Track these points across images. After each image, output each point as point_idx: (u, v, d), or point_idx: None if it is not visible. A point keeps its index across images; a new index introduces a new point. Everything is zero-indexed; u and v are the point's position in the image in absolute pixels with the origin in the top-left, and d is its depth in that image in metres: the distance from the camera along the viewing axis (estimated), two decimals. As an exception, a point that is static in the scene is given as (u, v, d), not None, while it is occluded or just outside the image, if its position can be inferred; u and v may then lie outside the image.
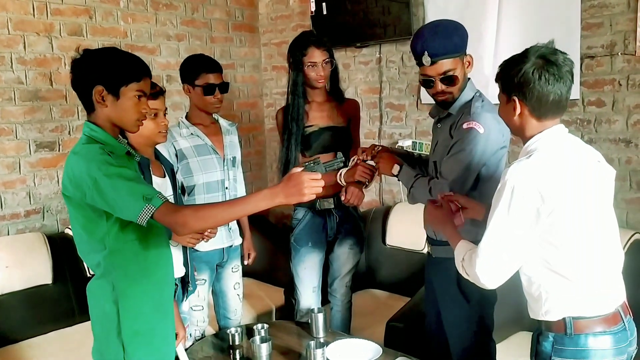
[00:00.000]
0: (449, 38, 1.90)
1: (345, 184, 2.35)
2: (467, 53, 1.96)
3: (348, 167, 2.34)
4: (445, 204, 1.80)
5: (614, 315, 1.51)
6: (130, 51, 1.72)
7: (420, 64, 1.92)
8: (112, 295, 1.62)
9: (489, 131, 1.88)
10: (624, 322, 1.52)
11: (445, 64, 1.89)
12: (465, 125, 1.88)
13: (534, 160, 1.46)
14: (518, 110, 1.51)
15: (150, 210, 1.46)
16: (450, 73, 1.90)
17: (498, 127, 1.87)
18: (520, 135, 1.57)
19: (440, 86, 1.93)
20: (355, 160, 2.31)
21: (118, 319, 1.62)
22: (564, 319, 1.49)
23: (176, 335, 1.91)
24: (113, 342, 1.63)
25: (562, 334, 1.50)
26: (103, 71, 1.57)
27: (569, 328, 1.49)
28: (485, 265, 1.49)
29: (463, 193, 1.88)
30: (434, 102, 2.07)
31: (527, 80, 1.46)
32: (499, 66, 1.58)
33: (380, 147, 2.28)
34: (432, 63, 1.88)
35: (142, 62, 1.64)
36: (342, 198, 2.38)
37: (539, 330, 1.58)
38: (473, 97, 1.98)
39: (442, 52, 1.88)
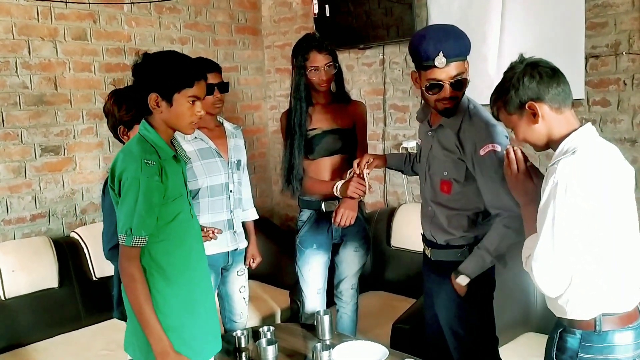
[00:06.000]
0: (461, 39, 1.86)
1: (341, 196, 2.38)
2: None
3: (344, 180, 2.38)
4: (534, 171, 1.63)
5: (634, 311, 1.51)
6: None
7: (429, 67, 1.82)
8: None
9: (501, 140, 1.87)
10: None
11: (458, 66, 1.84)
12: (482, 152, 1.85)
13: (580, 156, 1.44)
14: (539, 113, 1.50)
15: (122, 240, 1.63)
16: (460, 77, 1.85)
17: (502, 132, 1.90)
18: (550, 142, 1.54)
19: (449, 91, 1.85)
20: (351, 173, 2.34)
21: None
22: (594, 318, 1.48)
23: None
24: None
25: (591, 331, 1.49)
26: (156, 79, 1.67)
27: (598, 325, 1.48)
28: (544, 272, 1.45)
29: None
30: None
31: (529, 82, 1.49)
32: (491, 101, 1.59)
33: (371, 160, 2.29)
34: (447, 64, 1.81)
35: (197, 66, 1.73)
36: (333, 220, 2.40)
37: (561, 326, 1.56)
38: (467, 109, 1.94)
39: (457, 52, 1.82)
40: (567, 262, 1.44)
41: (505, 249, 1.88)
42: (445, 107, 1.89)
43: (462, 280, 1.93)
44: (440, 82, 1.84)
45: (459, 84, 1.86)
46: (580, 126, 1.52)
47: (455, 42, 1.83)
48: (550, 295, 1.49)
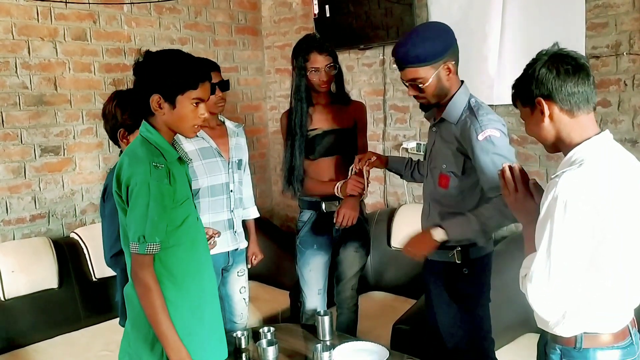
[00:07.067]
0: (419, 46, 1.85)
1: (342, 196, 2.39)
2: (450, 60, 1.89)
3: (346, 179, 2.38)
4: (536, 189, 1.51)
5: (623, 330, 1.44)
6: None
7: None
8: None
9: (499, 127, 1.88)
10: (631, 335, 1.46)
11: (411, 72, 1.88)
12: (480, 137, 1.85)
13: (586, 170, 1.33)
14: (547, 112, 1.39)
15: (134, 249, 1.56)
16: (416, 82, 1.89)
17: (501, 121, 1.92)
18: (559, 145, 1.44)
19: (410, 91, 1.95)
20: (352, 171, 2.34)
21: None
22: (575, 335, 1.42)
23: None
24: (148, 345, 1.64)
25: (571, 348, 1.43)
26: (159, 79, 1.59)
27: (578, 342, 1.42)
28: (540, 293, 1.35)
29: None
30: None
31: (546, 76, 1.38)
32: (512, 87, 1.50)
33: (373, 158, 2.31)
34: (400, 69, 1.91)
35: (201, 67, 1.65)
36: (335, 221, 2.40)
37: (545, 340, 1.52)
38: (468, 102, 1.94)
39: (404, 61, 1.88)
40: (565, 284, 1.34)
41: (493, 227, 1.91)
42: (419, 102, 2.02)
43: (437, 234, 1.88)
44: (405, 82, 1.96)
45: (417, 87, 1.92)
46: (596, 134, 1.40)
47: (408, 50, 1.87)
48: (547, 319, 1.41)
